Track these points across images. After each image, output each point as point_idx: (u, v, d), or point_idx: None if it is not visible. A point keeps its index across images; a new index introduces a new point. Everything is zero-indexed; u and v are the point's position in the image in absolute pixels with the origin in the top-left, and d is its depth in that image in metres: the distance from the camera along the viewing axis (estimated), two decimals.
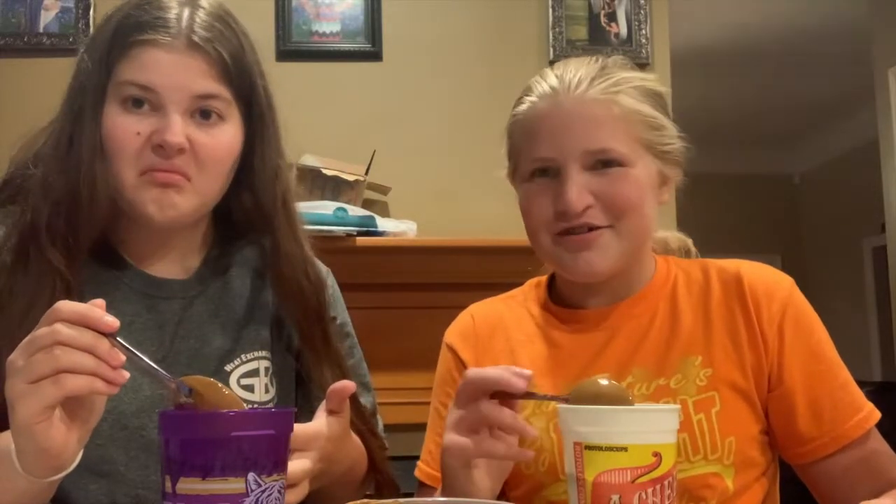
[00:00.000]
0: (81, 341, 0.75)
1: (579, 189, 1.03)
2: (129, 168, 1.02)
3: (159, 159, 1.01)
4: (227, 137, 1.05)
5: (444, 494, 0.99)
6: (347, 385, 0.96)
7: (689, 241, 1.25)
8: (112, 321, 0.77)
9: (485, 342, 1.17)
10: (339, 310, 1.22)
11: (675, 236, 1.24)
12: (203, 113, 1.03)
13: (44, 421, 0.76)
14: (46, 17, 2.60)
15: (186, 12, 1.04)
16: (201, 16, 1.04)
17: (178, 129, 1.00)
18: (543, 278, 1.21)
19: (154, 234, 1.09)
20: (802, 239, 7.52)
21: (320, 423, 0.96)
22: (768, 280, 1.08)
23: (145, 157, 1.01)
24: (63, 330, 0.75)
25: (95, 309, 0.77)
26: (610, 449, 0.78)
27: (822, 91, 6.03)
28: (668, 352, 1.07)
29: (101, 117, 1.02)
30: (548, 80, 1.08)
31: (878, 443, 1.05)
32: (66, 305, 0.77)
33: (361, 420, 1.12)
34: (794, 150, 7.51)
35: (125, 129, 1.01)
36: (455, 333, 1.20)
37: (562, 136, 1.05)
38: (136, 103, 1.01)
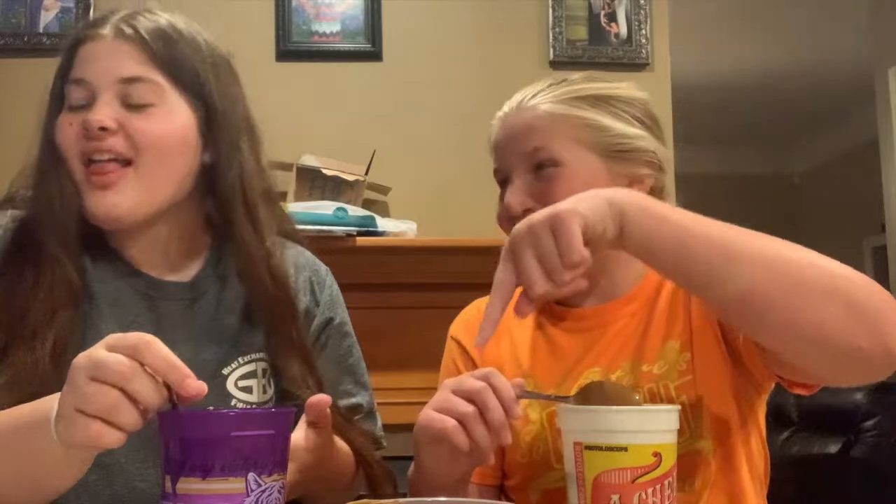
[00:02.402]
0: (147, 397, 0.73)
1: (518, 192, 1.11)
2: (75, 164, 1.04)
3: (91, 143, 1.03)
4: (165, 122, 1.06)
5: (414, 473, 1.01)
6: (323, 398, 0.96)
7: None
8: (195, 388, 0.74)
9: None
10: (339, 310, 1.22)
11: None
12: (134, 99, 1.05)
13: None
14: (46, 17, 2.60)
15: (125, 14, 1.08)
16: (142, 16, 1.08)
17: (101, 109, 1.03)
18: None
19: (140, 235, 1.10)
20: (802, 239, 7.40)
21: (298, 435, 0.96)
22: None
23: (80, 144, 1.03)
24: (136, 380, 0.72)
25: (181, 368, 0.74)
26: (610, 449, 0.79)
27: (823, 91, 6.03)
28: (649, 340, 1.10)
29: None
30: (506, 104, 1.17)
31: None
32: (155, 350, 0.74)
33: (344, 419, 1.12)
34: (794, 150, 7.51)
35: (62, 123, 1.05)
36: (460, 326, 1.24)
37: (504, 146, 1.14)
38: (76, 101, 1.05)
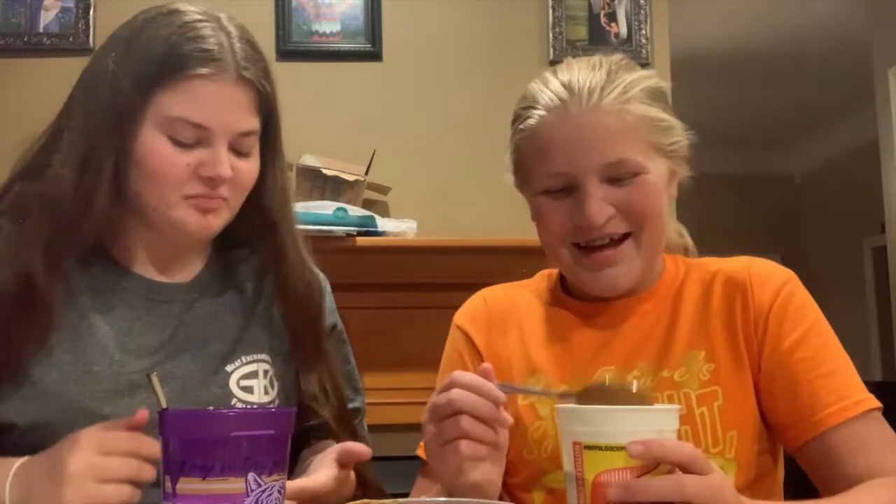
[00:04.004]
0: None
1: (599, 203, 1.03)
2: (174, 193, 1.05)
3: (206, 188, 1.05)
4: (256, 163, 1.11)
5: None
6: (363, 451, 0.97)
7: (687, 237, 1.24)
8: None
9: (497, 326, 1.17)
10: (338, 317, 1.25)
11: (674, 229, 1.23)
12: (243, 148, 1.07)
13: None
14: (46, 17, 2.60)
15: (225, 40, 1.05)
16: (238, 44, 1.06)
17: (227, 162, 1.05)
18: (554, 270, 1.21)
19: (171, 245, 1.11)
20: (802, 239, 7.52)
21: (328, 474, 0.96)
22: (768, 271, 1.10)
23: (192, 185, 1.05)
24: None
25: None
26: (610, 449, 0.78)
27: (823, 91, 6.03)
28: (672, 345, 1.08)
29: (134, 139, 1.03)
30: (554, 90, 1.06)
31: (865, 433, 1.02)
32: None
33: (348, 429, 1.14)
34: (794, 150, 7.51)
35: (176, 160, 1.03)
36: (466, 316, 1.20)
37: (577, 151, 1.03)
38: (186, 139, 1.03)
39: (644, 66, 2.71)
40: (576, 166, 1.04)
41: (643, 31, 2.75)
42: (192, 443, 0.72)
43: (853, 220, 6.74)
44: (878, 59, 4.15)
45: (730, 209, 7.10)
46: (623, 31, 2.75)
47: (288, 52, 2.63)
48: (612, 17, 2.76)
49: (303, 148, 2.44)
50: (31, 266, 1.01)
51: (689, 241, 1.24)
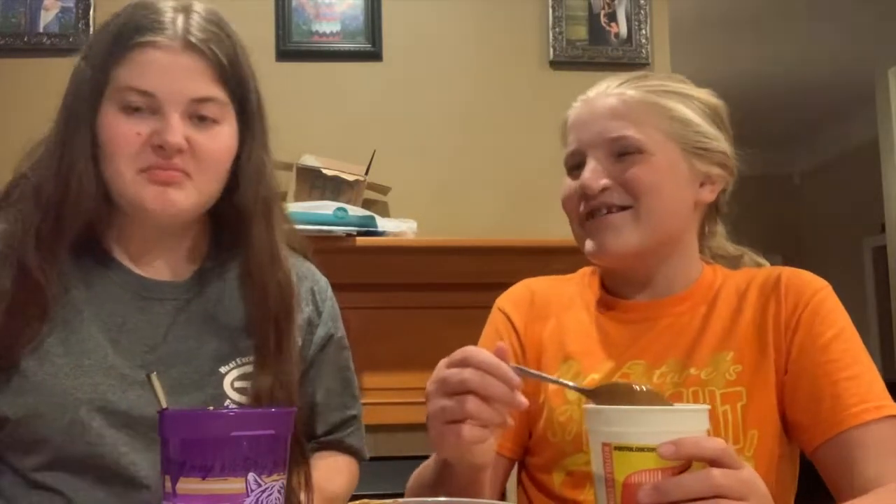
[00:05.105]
0: None
1: (597, 171, 1.11)
2: (129, 167, 1.03)
3: (158, 159, 1.03)
4: (224, 138, 1.07)
5: (441, 474, 0.99)
6: None
7: (746, 252, 1.29)
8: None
9: (537, 312, 1.21)
10: (339, 323, 1.24)
11: (751, 258, 1.27)
12: (200, 116, 1.05)
13: None
14: (46, 17, 2.59)
15: (181, 17, 1.05)
16: (196, 19, 1.06)
17: (178, 129, 1.02)
18: (596, 268, 1.26)
19: (150, 235, 1.10)
20: (802, 239, 7.52)
21: None
22: (803, 279, 1.12)
23: (145, 156, 1.03)
24: None
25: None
26: (641, 450, 0.77)
27: (823, 91, 6.03)
28: (702, 346, 1.11)
29: (97, 119, 1.04)
30: (590, 90, 1.17)
31: (883, 436, 1.01)
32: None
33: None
34: (794, 150, 7.51)
35: (126, 130, 1.03)
36: (508, 300, 1.25)
37: (585, 129, 1.14)
38: (136, 107, 1.03)
39: (644, 66, 2.73)
40: (582, 142, 1.13)
41: (643, 31, 2.75)
42: (192, 443, 0.72)
43: (853, 220, 6.74)
44: (878, 59, 4.15)
45: (730, 209, 7.09)
46: (623, 31, 2.75)
47: (288, 52, 2.63)
48: (612, 17, 2.76)
49: (303, 148, 2.43)
50: (25, 255, 1.02)
51: (731, 250, 1.28)
